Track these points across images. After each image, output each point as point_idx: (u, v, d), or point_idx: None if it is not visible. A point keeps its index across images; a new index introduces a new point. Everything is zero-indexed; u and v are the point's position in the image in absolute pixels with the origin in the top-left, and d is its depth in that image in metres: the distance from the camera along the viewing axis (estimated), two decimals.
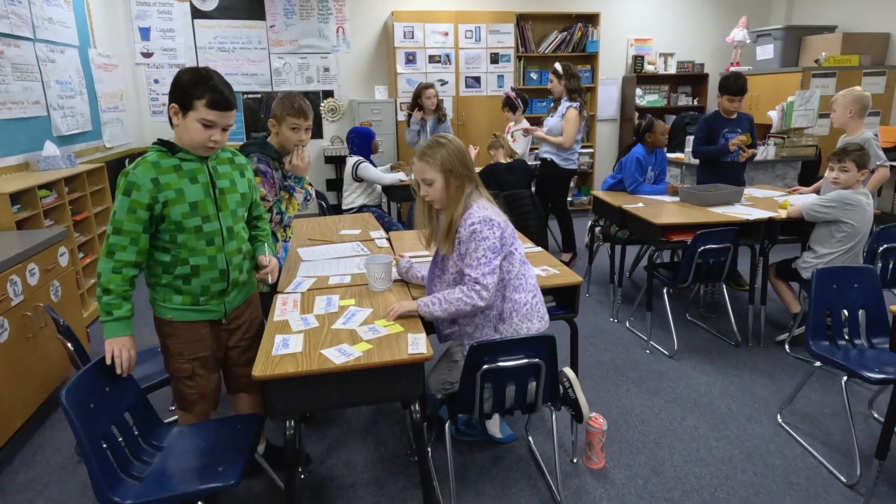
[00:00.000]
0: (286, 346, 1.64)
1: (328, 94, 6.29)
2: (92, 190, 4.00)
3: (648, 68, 6.82)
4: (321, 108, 6.29)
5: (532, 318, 1.91)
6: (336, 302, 1.98)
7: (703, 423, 2.55)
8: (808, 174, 5.74)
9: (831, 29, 6.18)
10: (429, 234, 2.02)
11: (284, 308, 1.94)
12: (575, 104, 4.36)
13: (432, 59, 5.83)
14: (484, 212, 1.82)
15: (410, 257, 2.32)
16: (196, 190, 1.74)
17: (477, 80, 5.97)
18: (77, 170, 3.87)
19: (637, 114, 6.88)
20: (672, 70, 6.91)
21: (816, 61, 5.73)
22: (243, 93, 6.09)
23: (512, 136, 5.02)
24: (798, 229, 3.21)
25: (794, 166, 5.61)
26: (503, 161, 4.28)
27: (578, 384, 2.00)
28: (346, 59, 6.23)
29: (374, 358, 1.55)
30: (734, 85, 3.73)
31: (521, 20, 6.07)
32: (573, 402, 2.00)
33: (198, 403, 1.95)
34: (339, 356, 1.56)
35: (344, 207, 4.57)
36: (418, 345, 1.60)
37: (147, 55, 5.82)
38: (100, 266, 1.72)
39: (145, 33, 5.77)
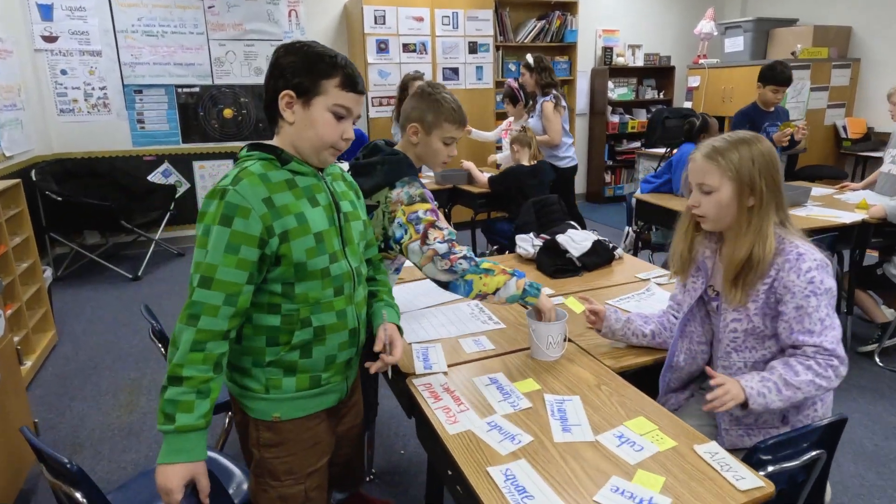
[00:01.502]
0: (525, 494, 0.99)
1: None
2: (7, 216, 2.97)
3: (618, 60, 6.57)
4: None
5: (830, 403, 1.39)
6: (510, 386, 1.34)
7: (864, 470, 2.18)
8: (790, 166, 5.75)
9: (793, 21, 6.24)
10: (682, 263, 1.42)
11: (445, 407, 1.27)
12: (548, 98, 3.94)
13: (407, 47, 5.15)
14: (817, 252, 1.26)
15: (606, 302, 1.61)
16: (318, 216, 1.19)
17: (455, 71, 5.38)
18: None
19: (610, 108, 6.62)
20: (640, 62, 6.72)
21: (793, 53, 5.73)
22: (177, 86, 5.06)
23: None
24: (880, 232, 2.97)
25: (781, 159, 5.57)
26: (526, 163, 3.74)
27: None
28: None
29: None
30: (781, 75, 3.45)
31: (500, 6, 5.55)
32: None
33: None
34: None
35: None
36: (742, 474, 1.02)
37: (50, 39, 4.64)
38: (175, 335, 1.07)
39: (46, 11, 4.59)
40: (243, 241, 1.08)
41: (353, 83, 1.17)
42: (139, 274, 4.46)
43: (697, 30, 6.48)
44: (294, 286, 1.16)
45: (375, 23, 4.99)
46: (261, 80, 5.57)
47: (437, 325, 1.70)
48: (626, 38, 6.71)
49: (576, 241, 2.14)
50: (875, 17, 5.80)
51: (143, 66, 4.92)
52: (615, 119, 6.63)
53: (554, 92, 4.00)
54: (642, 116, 6.76)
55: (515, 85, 4.46)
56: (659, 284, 1.97)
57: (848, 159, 5.98)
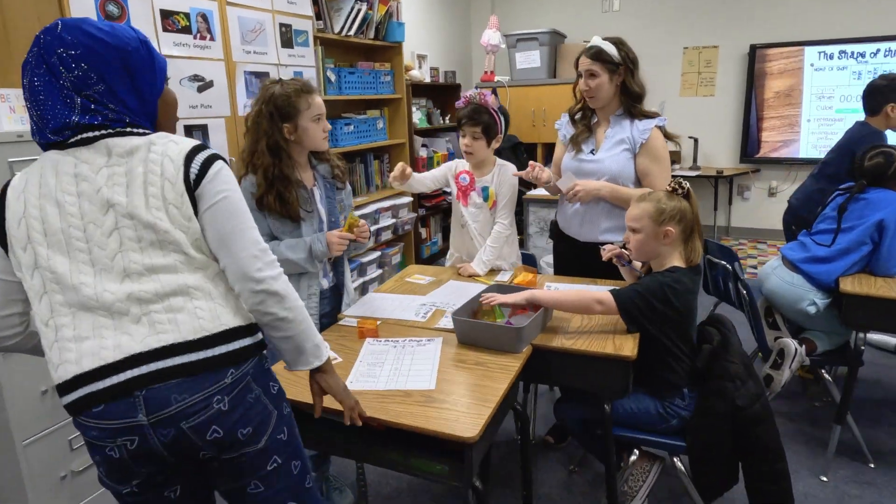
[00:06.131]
0: None
1: None
2: None
3: (413, 74, 4.81)
4: None
5: None
6: None
7: None
8: None
9: (563, 37, 5.75)
10: None
11: None
12: (661, 120, 2.19)
13: (170, 20, 2.19)
14: None
15: None
16: None
17: (261, 79, 2.66)
18: None
19: (419, 138, 4.80)
20: (427, 79, 5.13)
21: None
22: None
23: (485, 197, 2.32)
24: None
25: None
26: (682, 265, 1.73)
27: None
28: None
29: None
30: None
31: None
32: None
33: None
34: None
35: None
36: None
37: None
38: None
39: None
40: None
41: None
42: None
43: (484, 40, 5.32)
44: None
45: None
46: None
47: None
48: (410, 45, 5.01)
49: None
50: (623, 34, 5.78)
51: None
52: (423, 154, 4.86)
53: (654, 113, 2.13)
54: (443, 148, 5.20)
55: (494, 102, 2.31)
56: None
57: None
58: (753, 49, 5.19)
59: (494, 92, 2.36)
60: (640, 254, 1.77)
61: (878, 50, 4.77)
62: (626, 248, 1.93)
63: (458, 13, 5.94)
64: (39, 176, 1.00)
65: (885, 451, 2.29)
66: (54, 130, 0.98)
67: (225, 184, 1.03)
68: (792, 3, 5.05)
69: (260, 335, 1.10)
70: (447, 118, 5.51)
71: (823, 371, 2.25)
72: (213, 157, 1.04)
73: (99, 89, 0.99)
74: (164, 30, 2.17)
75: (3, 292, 1.05)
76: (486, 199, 2.33)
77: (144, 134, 1.03)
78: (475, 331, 1.60)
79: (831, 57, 4.93)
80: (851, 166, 2.38)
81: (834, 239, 2.13)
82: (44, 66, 0.97)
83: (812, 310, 2.13)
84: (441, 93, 5.49)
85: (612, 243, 1.97)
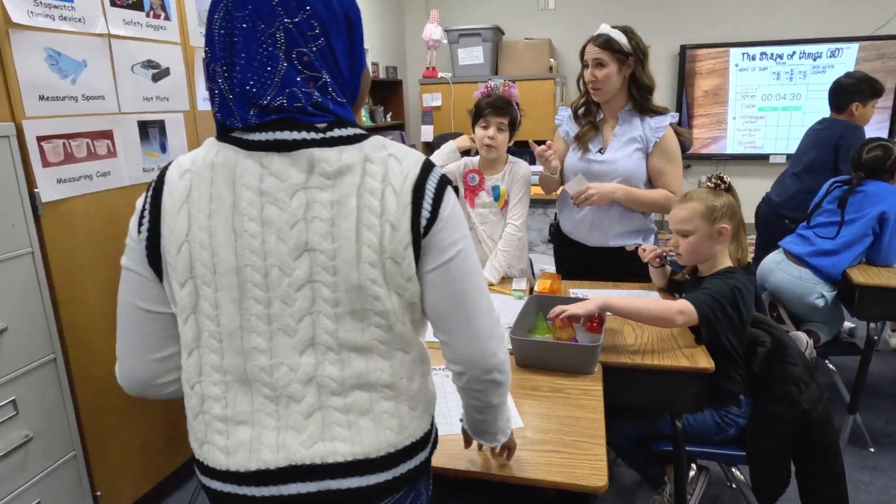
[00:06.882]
0: None
1: None
2: None
3: None
4: None
5: None
6: None
7: None
8: None
9: (502, 33, 5.68)
10: None
11: None
12: (673, 117, 2.12)
13: None
14: None
15: None
16: None
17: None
18: None
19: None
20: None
21: (551, 69, 5.13)
22: None
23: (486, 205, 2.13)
24: None
25: None
26: (733, 264, 1.66)
27: None
28: None
29: None
30: (880, 86, 2.62)
31: None
32: None
33: None
34: None
35: None
36: None
37: None
38: None
39: None
40: None
41: None
42: None
43: (426, 35, 5.11)
44: None
45: None
46: None
47: None
48: None
49: None
50: (557, 32, 5.82)
51: None
52: None
53: (663, 109, 2.04)
54: None
55: (516, 90, 2.13)
56: None
57: None
58: (683, 49, 5.40)
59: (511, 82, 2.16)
60: (693, 257, 1.67)
61: (794, 52, 5.13)
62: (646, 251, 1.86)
63: (392, 7, 5.69)
64: (210, 182, 0.70)
65: (879, 434, 2.37)
66: (240, 100, 0.69)
67: (459, 228, 0.76)
68: (719, 6, 5.31)
69: (434, 428, 0.88)
70: (388, 116, 5.27)
71: (827, 361, 2.29)
72: (444, 184, 0.76)
73: (315, 47, 0.71)
74: (113, 5, 1.78)
75: (163, 326, 0.76)
76: (496, 198, 2.14)
77: (355, 139, 0.73)
78: (543, 352, 1.42)
79: (754, 58, 5.24)
80: (836, 160, 2.45)
81: (838, 231, 2.17)
82: (250, 6, 0.68)
83: (821, 303, 2.15)
84: (381, 89, 5.23)
85: (625, 246, 1.93)
